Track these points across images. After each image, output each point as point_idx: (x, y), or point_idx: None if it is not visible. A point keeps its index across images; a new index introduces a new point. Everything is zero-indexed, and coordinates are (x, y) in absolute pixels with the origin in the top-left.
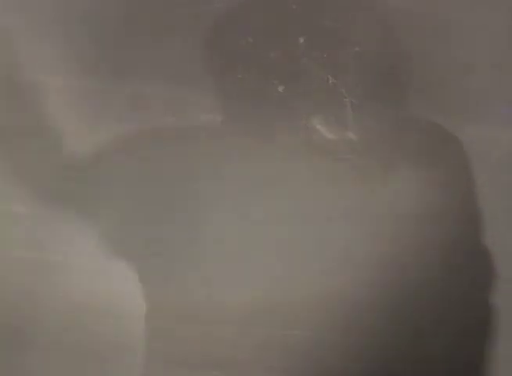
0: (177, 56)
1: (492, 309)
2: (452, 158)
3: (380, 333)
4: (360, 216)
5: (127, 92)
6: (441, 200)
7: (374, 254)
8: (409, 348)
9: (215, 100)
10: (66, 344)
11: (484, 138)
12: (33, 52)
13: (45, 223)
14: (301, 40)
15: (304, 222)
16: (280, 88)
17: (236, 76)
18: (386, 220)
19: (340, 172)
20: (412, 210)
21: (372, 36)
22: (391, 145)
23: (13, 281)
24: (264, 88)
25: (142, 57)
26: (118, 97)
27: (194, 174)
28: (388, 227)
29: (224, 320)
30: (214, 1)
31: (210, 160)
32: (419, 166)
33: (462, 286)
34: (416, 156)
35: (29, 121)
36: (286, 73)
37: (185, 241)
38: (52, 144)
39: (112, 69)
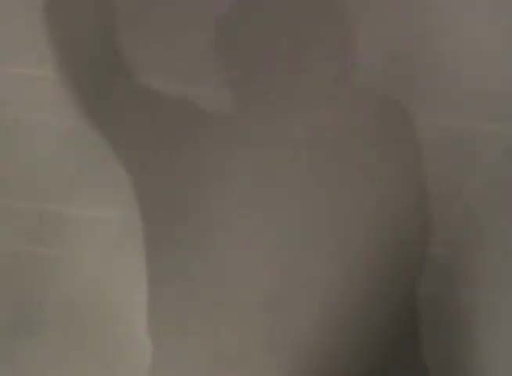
0: (179, 54)
1: None
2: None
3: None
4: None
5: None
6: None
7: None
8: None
9: (216, 97)
10: (69, 340)
11: (484, 134)
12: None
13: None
14: (301, 40)
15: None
16: (281, 86)
17: (237, 74)
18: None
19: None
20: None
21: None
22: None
23: (15, 276)
24: (264, 87)
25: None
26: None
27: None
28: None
29: (228, 317)
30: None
31: (218, 151)
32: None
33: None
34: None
35: None
36: (286, 72)
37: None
38: None
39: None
